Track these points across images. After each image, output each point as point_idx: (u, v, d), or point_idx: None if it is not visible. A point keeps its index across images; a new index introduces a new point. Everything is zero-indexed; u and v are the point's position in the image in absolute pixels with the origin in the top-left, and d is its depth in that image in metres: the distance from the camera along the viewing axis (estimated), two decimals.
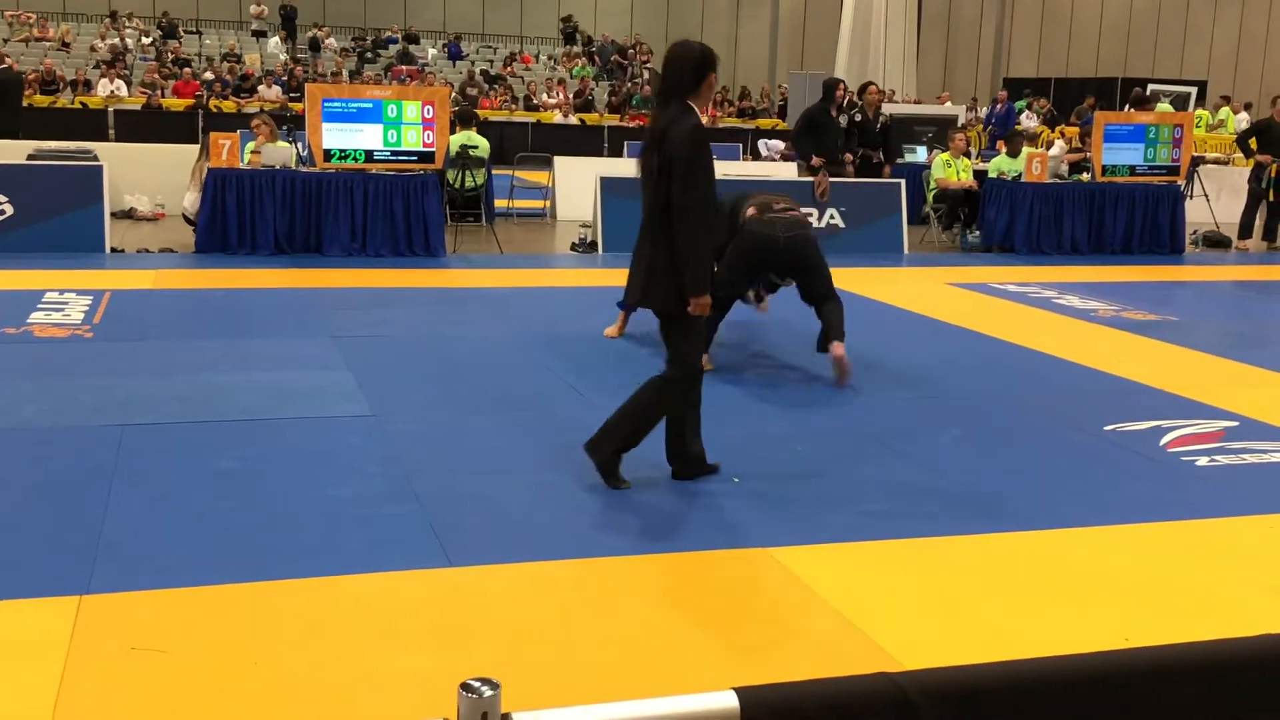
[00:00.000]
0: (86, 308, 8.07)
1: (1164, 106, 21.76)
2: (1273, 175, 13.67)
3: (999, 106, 23.76)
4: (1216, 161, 18.72)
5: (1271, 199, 13.80)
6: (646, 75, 29.49)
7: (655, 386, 4.72)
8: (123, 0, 29.22)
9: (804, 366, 7.06)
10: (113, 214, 11.38)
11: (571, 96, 26.46)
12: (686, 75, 4.54)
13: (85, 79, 23.81)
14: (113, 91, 23.25)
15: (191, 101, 23.16)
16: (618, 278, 10.43)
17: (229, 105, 23.49)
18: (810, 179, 12.09)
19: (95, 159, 11.70)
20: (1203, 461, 5.41)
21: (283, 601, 3.65)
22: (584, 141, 23.52)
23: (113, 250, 10.66)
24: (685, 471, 4.87)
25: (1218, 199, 15.62)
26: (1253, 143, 14.26)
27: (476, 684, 1.46)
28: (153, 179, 13.16)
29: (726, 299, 6.60)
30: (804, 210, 6.64)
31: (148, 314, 8.01)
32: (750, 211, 6.72)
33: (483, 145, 13.17)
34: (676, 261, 4.49)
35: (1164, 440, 5.73)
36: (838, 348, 6.56)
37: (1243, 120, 22.67)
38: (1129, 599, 3.90)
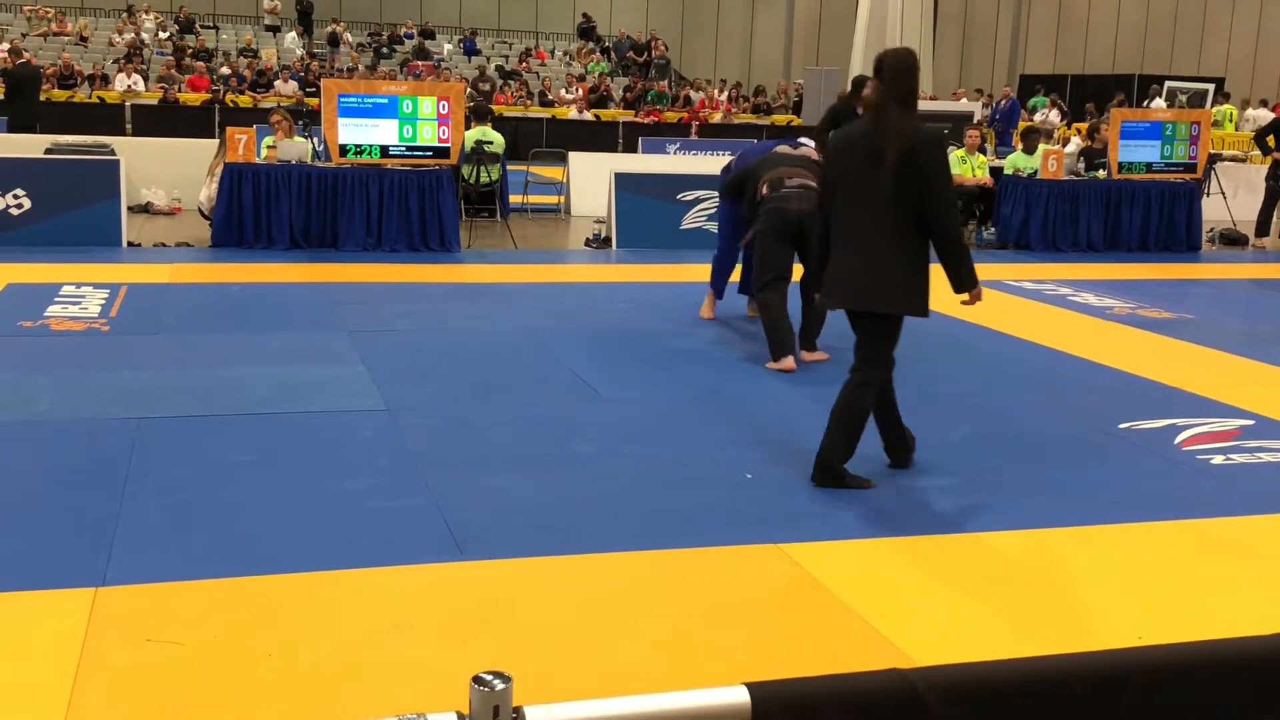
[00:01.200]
0: (103, 301, 8.11)
1: (1160, 104, 21.65)
2: None
3: (1003, 102, 23.65)
4: (1234, 159, 18.63)
5: None
6: (670, 73, 29.48)
7: (854, 390, 4.81)
8: None
9: (814, 360, 7.05)
10: (129, 208, 11.44)
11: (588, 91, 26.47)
12: (910, 82, 4.69)
13: (103, 73, 23.90)
14: (130, 86, 23.34)
15: (207, 96, 23.23)
16: (631, 273, 10.51)
17: (245, 100, 23.54)
18: None
19: (112, 153, 11.75)
20: (1218, 460, 5.39)
21: (296, 594, 3.67)
22: (599, 137, 23.50)
23: (129, 244, 10.71)
24: (903, 460, 5.08)
25: (1235, 196, 15.55)
26: (1270, 140, 14.18)
27: (489, 677, 1.46)
28: (169, 173, 13.22)
29: (778, 279, 6.89)
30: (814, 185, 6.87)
31: (164, 308, 8.05)
32: (764, 190, 7.00)
33: (498, 141, 13.18)
34: (946, 258, 4.72)
35: (1179, 439, 5.71)
36: (812, 355, 7.11)
37: (1263, 116, 22.52)
38: (1142, 597, 3.89)
